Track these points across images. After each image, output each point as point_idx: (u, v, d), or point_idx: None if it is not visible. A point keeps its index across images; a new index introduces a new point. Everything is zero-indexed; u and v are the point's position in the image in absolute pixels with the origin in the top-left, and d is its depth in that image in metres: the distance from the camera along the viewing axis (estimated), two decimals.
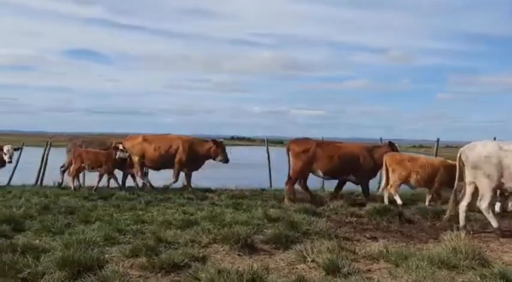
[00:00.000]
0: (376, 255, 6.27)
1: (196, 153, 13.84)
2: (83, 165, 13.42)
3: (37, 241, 6.72)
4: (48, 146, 17.15)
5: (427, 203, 11.07)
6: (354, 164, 11.96)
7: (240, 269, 5.31)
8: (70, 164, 14.16)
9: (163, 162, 13.90)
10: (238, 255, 6.49)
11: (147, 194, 12.10)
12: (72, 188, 12.97)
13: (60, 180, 14.67)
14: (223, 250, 6.67)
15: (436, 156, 16.48)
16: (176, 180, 13.94)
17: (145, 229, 7.70)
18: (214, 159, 14.06)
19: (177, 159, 13.70)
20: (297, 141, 12.48)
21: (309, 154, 11.91)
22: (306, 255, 6.15)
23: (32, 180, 15.80)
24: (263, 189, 14.34)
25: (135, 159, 13.69)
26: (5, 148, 14.29)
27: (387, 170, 11.58)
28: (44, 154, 16.65)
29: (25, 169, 16.46)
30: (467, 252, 6.04)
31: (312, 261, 5.98)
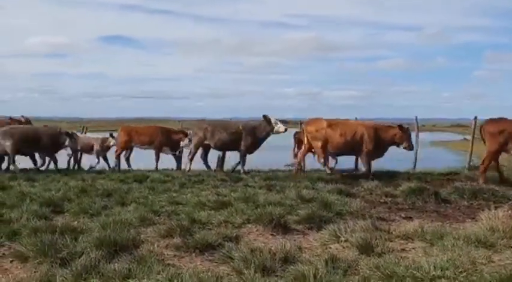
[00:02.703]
0: (410, 234, 6.19)
1: (381, 140, 12.94)
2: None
3: (75, 222, 6.91)
4: (84, 131, 17.68)
5: None
6: None
7: (273, 248, 5.36)
8: (196, 148, 14.41)
9: (347, 149, 13.08)
10: (272, 235, 6.53)
11: (181, 177, 12.23)
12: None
13: (187, 168, 14.66)
14: (257, 230, 6.72)
15: (474, 135, 16.16)
16: (368, 168, 13.05)
17: (180, 210, 7.80)
18: (398, 146, 13.18)
19: (364, 148, 12.80)
20: (492, 121, 11.87)
21: (505, 134, 11.41)
22: (339, 234, 6.13)
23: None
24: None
25: (318, 144, 13.00)
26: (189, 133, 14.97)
27: None
28: None
29: (61, 154, 16.82)
30: (505, 231, 5.92)
31: (346, 240, 5.95)
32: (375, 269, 4.70)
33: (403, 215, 7.82)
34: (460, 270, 4.59)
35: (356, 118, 17.75)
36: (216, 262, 5.30)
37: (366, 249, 5.51)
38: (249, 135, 13.94)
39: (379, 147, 12.92)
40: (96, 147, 15.32)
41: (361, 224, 6.40)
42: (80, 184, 10.42)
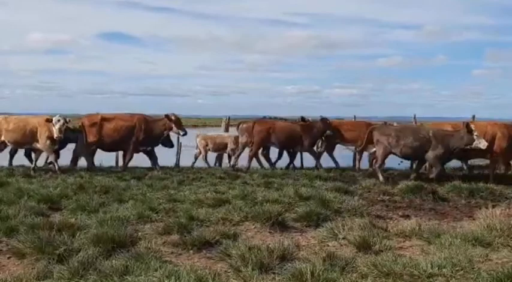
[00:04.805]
0: (408, 232, 6.21)
1: None
2: None
3: (73, 219, 6.88)
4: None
5: None
6: None
7: (270, 245, 5.36)
8: (384, 158, 12.78)
9: (476, 151, 11.85)
10: (269, 232, 6.53)
11: (179, 174, 12.21)
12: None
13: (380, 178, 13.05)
14: (255, 228, 6.72)
15: None
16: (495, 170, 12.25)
17: (178, 208, 7.79)
18: None
19: (495, 149, 11.87)
20: None
21: None
22: (337, 232, 6.15)
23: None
24: (295, 168, 14.31)
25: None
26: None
27: None
28: None
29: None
30: (502, 230, 5.93)
31: (343, 238, 5.97)
32: (373, 267, 4.72)
33: (400, 213, 7.84)
34: (457, 268, 4.61)
35: (354, 117, 17.79)
36: (214, 259, 5.31)
37: (363, 247, 5.53)
38: (440, 144, 11.67)
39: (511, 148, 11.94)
40: (231, 145, 15.13)
41: (358, 222, 6.43)
42: (77, 181, 10.39)
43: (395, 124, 14.69)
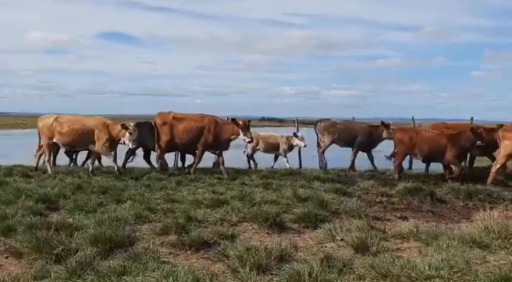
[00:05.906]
0: (406, 234, 6.21)
1: None
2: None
3: (70, 219, 6.89)
4: None
5: None
6: None
7: (268, 246, 5.35)
8: None
9: None
10: (267, 233, 6.52)
11: (177, 175, 12.21)
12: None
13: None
14: (253, 228, 6.72)
15: None
16: None
17: (176, 208, 7.79)
18: None
19: None
20: None
21: None
22: (335, 234, 6.14)
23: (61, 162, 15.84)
24: (293, 170, 14.32)
25: (507, 151, 11.37)
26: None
27: None
28: None
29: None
30: (499, 232, 5.92)
31: (341, 240, 5.97)
32: (370, 268, 4.72)
33: (398, 215, 7.83)
34: (454, 270, 4.60)
35: (353, 118, 17.82)
36: (212, 260, 5.30)
37: (361, 248, 5.52)
38: None
39: None
40: (282, 146, 15.20)
41: (356, 223, 6.42)
42: (75, 181, 10.39)
43: None
